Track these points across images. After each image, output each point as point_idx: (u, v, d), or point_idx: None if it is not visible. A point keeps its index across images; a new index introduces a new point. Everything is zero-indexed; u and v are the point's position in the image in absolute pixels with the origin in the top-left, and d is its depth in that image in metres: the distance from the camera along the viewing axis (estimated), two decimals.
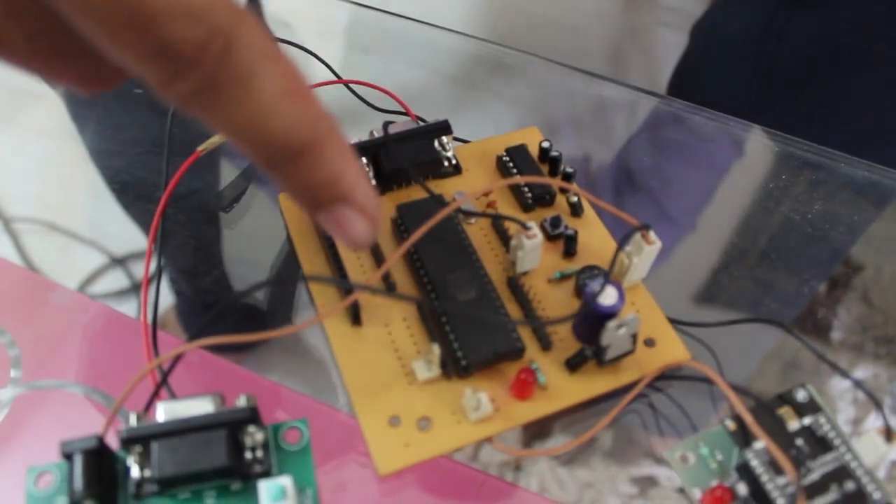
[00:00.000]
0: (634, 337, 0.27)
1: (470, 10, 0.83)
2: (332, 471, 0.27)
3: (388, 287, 0.29)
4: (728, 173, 0.39)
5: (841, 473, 0.24)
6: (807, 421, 0.26)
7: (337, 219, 0.21)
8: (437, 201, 0.30)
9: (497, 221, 0.31)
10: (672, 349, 0.28)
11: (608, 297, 0.26)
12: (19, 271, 0.33)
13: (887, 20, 0.48)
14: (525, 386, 0.26)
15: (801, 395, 0.26)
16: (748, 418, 0.24)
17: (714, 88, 0.55)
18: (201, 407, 0.23)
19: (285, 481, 0.22)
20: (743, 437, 0.25)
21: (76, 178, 0.38)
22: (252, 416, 0.23)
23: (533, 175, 0.32)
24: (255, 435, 0.23)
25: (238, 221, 0.34)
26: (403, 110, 0.35)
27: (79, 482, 0.21)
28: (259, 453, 0.23)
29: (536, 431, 0.28)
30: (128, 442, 0.22)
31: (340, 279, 0.29)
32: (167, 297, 0.32)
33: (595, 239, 0.31)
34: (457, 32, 0.43)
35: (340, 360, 0.27)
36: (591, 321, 0.26)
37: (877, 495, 0.24)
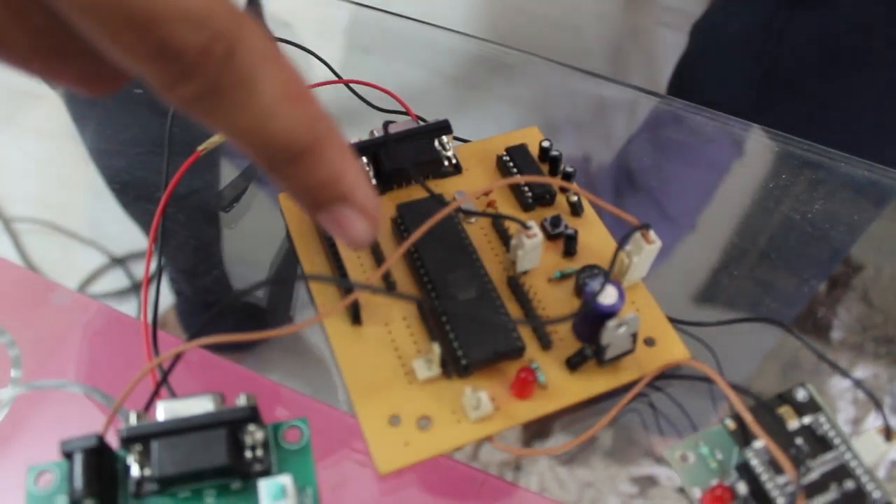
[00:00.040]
0: (634, 336, 0.27)
1: (470, 10, 0.83)
2: (332, 470, 0.27)
3: (389, 286, 0.29)
4: (728, 173, 0.40)
5: (840, 472, 0.24)
6: (806, 420, 0.26)
7: (337, 219, 0.21)
8: (438, 201, 0.30)
9: (497, 221, 0.31)
10: (672, 348, 0.28)
11: (608, 296, 0.26)
12: (19, 271, 0.33)
13: (887, 20, 0.48)
14: (525, 385, 0.26)
15: (800, 395, 0.26)
16: (748, 417, 0.24)
17: (714, 88, 0.55)
18: (201, 406, 0.23)
19: (285, 480, 0.22)
20: (743, 436, 0.25)
21: (76, 178, 0.38)
22: (252, 414, 0.23)
23: (533, 174, 0.32)
24: (255, 434, 0.23)
25: (238, 221, 0.34)
26: (404, 110, 0.35)
27: (79, 481, 0.21)
28: (259, 452, 0.23)
29: (536, 431, 0.28)
30: (128, 441, 0.22)
31: (340, 278, 0.29)
32: (167, 297, 0.32)
33: (595, 238, 0.31)
34: (457, 32, 0.43)
35: (340, 359, 0.27)
36: (591, 320, 0.26)
37: (876, 494, 0.24)
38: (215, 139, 0.32)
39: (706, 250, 0.35)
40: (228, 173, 0.36)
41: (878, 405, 0.27)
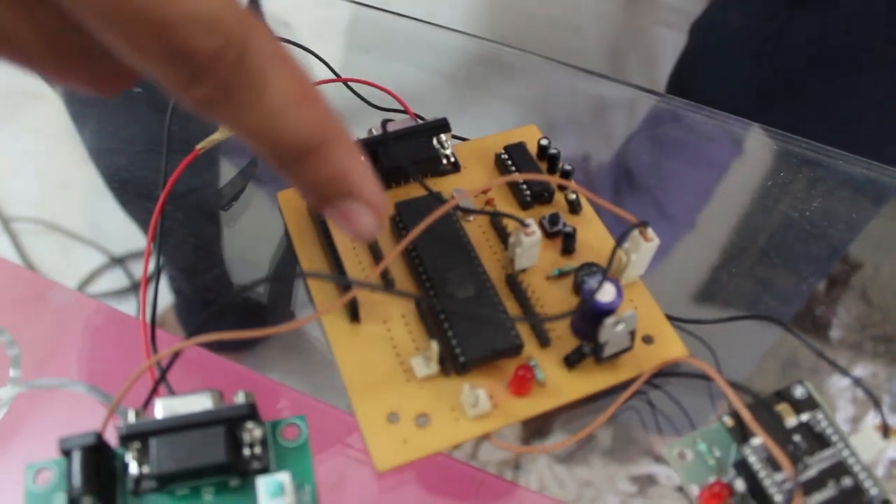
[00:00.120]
0: (632, 334, 0.27)
1: (470, 9, 0.83)
2: (331, 468, 0.27)
3: (387, 284, 0.29)
4: (727, 171, 0.40)
5: (838, 469, 0.24)
6: (804, 417, 0.26)
7: (345, 213, 0.22)
8: (436, 199, 0.30)
9: (496, 219, 0.31)
10: (670, 346, 0.28)
11: (606, 293, 0.26)
12: (19, 271, 0.33)
13: (886, 19, 0.48)
14: (523, 382, 0.26)
15: (798, 392, 0.26)
16: (746, 415, 0.24)
17: (713, 87, 0.55)
18: (200, 403, 0.23)
19: (283, 477, 0.22)
20: (741, 433, 0.25)
21: (76, 177, 0.38)
22: (250, 412, 0.23)
23: (531, 173, 0.32)
24: (253, 431, 0.23)
25: (237, 220, 0.35)
26: (403, 109, 0.35)
27: (77, 478, 0.21)
28: (257, 450, 0.23)
29: (535, 429, 0.28)
30: (126, 438, 0.22)
31: (339, 276, 0.29)
32: (166, 296, 0.32)
33: (593, 236, 0.31)
34: (457, 31, 0.43)
35: (339, 356, 0.28)
36: (590, 318, 0.26)
37: (874, 491, 0.24)
38: (214, 137, 0.32)
39: (705, 249, 0.35)
40: (228, 172, 0.36)
41: (876, 404, 0.27)
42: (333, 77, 0.36)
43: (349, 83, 0.36)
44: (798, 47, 0.51)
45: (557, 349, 0.28)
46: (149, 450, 0.22)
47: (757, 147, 0.40)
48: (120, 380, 0.24)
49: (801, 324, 0.33)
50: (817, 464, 0.25)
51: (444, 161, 0.32)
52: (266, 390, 0.29)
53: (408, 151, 0.31)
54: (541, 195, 0.32)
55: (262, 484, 0.22)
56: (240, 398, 0.23)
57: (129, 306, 0.32)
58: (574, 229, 0.30)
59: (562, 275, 0.30)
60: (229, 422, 0.23)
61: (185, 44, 0.17)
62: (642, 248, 0.28)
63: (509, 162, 0.33)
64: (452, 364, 0.27)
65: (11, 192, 0.37)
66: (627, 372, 0.28)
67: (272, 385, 0.29)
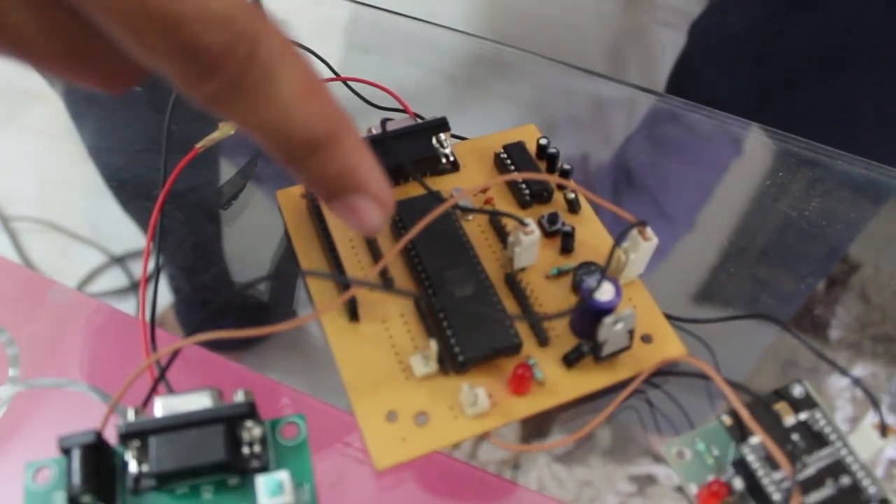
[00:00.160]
0: (631, 333, 0.27)
1: (470, 9, 0.83)
2: (330, 466, 0.27)
3: (386, 283, 0.29)
4: (726, 171, 0.40)
5: (836, 468, 0.25)
6: (803, 416, 0.26)
7: (352, 207, 0.22)
8: (435, 198, 0.30)
9: (494, 218, 0.31)
10: (669, 345, 0.28)
11: (605, 292, 0.26)
12: (18, 270, 0.33)
13: (886, 19, 0.48)
14: (522, 381, 0.26)
15: (797, 391, 0.26)
16: (744, 414, 0.24)
17: (712, 87, 0.55)
18: (199, 402, 0.23)
19: (282, 476, 0.22)
20: (739, 432, 0.25)
21: (75, 177, 0.38)
22: (249, 411, 0.23)
23: (530, 172, 0.32)
24: (252, 430, 0.23)
25: (236, 219, 0.35)
26: (402, 108, 0.35)
27: (77, 477, 0.21)
28: (256, 448, 0.23)
29: (534, 428, 0.28)
30: (126, 437, 0.22)
31: (338, 275, 0.29)
32: (166, 296, 0.32)
33: (592, 235, 0.31)
34: (456, 31, 0.43)
35: (338, 355, 0.28)
36: (588, 317, 0.26)
37: (872, 490, 0.24)
38: (213, 136, 0.32)
39: (704, 248, 0.35)
40: (227, 171, 0.36)
41: (875, 404, 0.26)
42: (333, 76, 0.36)
43: (349, 82, 0.36)
44: (797, 47, 0.51)
45: (556, 348, 0.28)
46: (148, 448, 0.22)
47: (756, 147, 0.40)
48: (119, 379, 0.24)
49: (801, 323, 0.33)
50: (815, 463, 0.25)
51: (444, 160, 0.33)
52: (265, 389, 0.29)
53: (407, 150, 0.31)
54: (540, 194, 0.32)
55: (262, 482, 0.22)
56: (239, 397, 0.23)
57: (128, 306, 0.32)
58: (573, 228, 0.30)
59: (561, 274, 0.30)
60: (229, 420, 0.23)
61: (195, 40, 0.17)
62: (641, 248, 0.28)
63: (508, 161, 0.33)
64: (451, 363, 0.27)
65: (11, 192, 0.37)
66: (626, 371, 0.28)
67: (271, 384, 0.29)
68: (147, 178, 0.35)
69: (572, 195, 0.32)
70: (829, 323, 0.33)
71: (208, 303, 0.33)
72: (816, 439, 0.25)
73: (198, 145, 0.32)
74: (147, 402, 0.25)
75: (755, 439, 0.24)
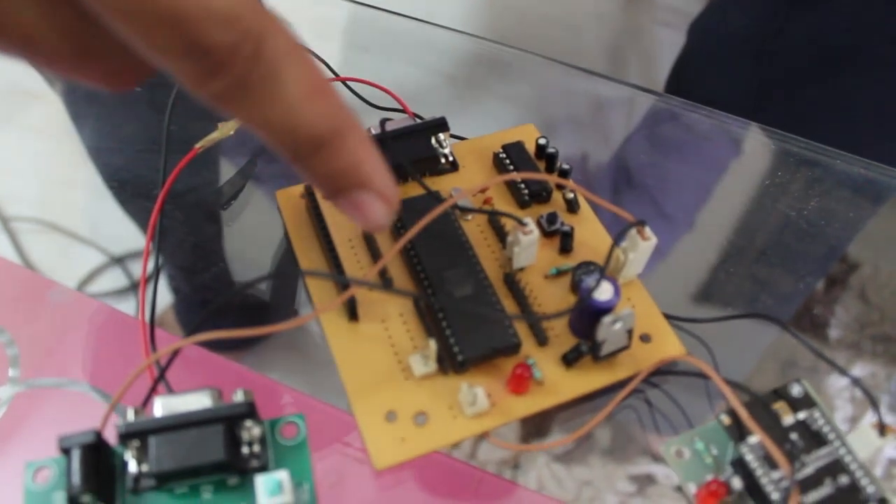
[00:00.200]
0: (630, 332, 0.27)
1: (469, 9, 0.83)
2: (330, 466, 0.27)
3: (385, 283, 0.29)
4: (725, 171, 0.40)
5: (835, 467, 0.25)
6: (801, 416, 0.26)
7: (357, 203, 0.22)
8: (434, 198, 0.30)
9: (494, 218, 0.31)
10: (668, 345, 0.28)
11: (604, 292, 0.26)
12: (18, 270, 0.33)
13: (886, 19, 0.48)
14: (521, 381, 0.26)
15: (795, 390, 0.26)
16: (743, 413, 0.24)
17: (711, 86, 0.55)
18: (198, 402, 0.23)
19: (282, 476, 0.22)
20: (738, 431, 0.25)
21: (75, 177, 0.38)
22: (249, 410, 0.23)
23: (529, 172, 0.32)
24: (252, 430, 0.23)
25: (236, 218, 0.35)
26: (401, 108, 0.35)
27: (76, 477, 0.21)
28: (256, 448, 0.23)
29: (534, 428, 0.28)
30: (125, 437, 0.22)
31: (337, 275, 0.29)
32: (166, 296, 0.32)
33: (591, 235, 0.31)
34: (455, 31, 0.43)
35: (337, 355, 0.28)
36: (587, 316, 0.26)
37: (870, 489, 0.24)
38: (213, 136, 0.32)
39: (704, 248, 0.35)
40: (227, 171, 0.36)
41: (873, 403, 0.26)
42: (332, 76, 0.36)
43: (348, 82, 0.36)
44: (797, 46, 0.51)
45: (555, 348, 0.28)
46: (148, 448, 0.22)
47: (755, 146, 0.40)
48: (119, 379, 0.24)
49: (800, 323, 0.33)
50: (814, 462, 0.25)
51: (443, 160, 0.33)
52: (265, 389, 0.29)
53: (406, 150, 0.31)
54: (539, 194, 0.32)
55: (261, 482, 0.22)
56: (238, 397, 0.23)
57: (128, 306, 0.32)
58: (572, 228, 0.30)
59: (560, 273, 0.30)
60: (228, 420, 0.23)
61: (202, 38, 0.17)
62: (640, 247, 0.28)
63: (507, 161, 0.33)
64: (450, 362, 0.27)
65: (11, 192, 0.37)
66: (625, 370, 0.28)
67: (271, 384, 0.29)
68: (147, 178, 0.36)
69: (571, 195, 0.32)
70: (829, 323, 0.33)
71: (208, 303, 0.33)
72: (815, 439, 0.25)
73: (197, 145, 0.32)
74: (147, 402, 0.25)
75: (754, 439, 0.25)
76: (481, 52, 0.44)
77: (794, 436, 0.25)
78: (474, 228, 0.31)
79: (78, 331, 0.31)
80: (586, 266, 0.29)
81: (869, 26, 0.49)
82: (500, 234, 0.31)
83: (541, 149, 0.33)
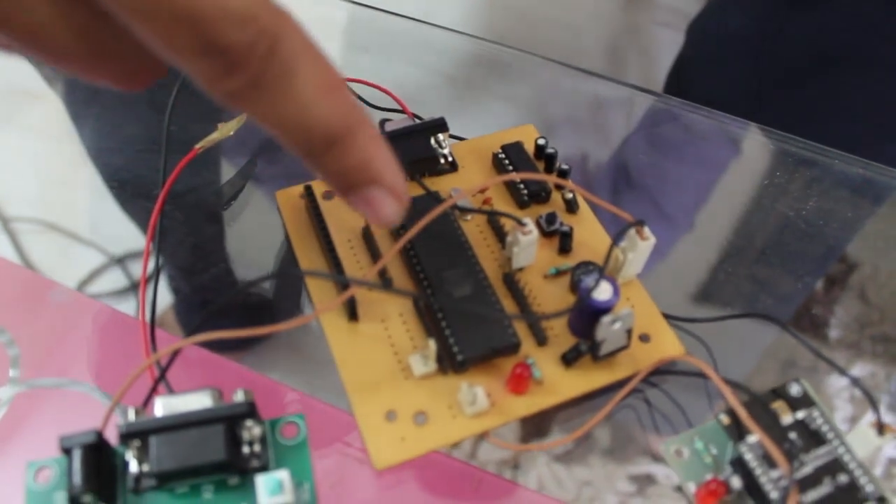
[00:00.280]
0: (629, 332, 0.27)
1: (468, 9, 0.83)
2: (330, 466, 0.27)
3: (385, 283, 0.29)
4: (725, 171, 0.40)
5: (834, 466, 0.25)
6: (800, 415, 0.26)
7: (368, 199, 0.23)
8: (434, 198, 0.30)
9: (493, 218, 0.31)
10: (667, 344, 0.29)
11: (603, 292, 0.26)
12: (18, 270, 0.33)
13: (884, 18, 0.48)
14: (521, 381, 0.26)
15: (794, 390, 0.26)
16: (742, 412, 0.24)
17: (711, 86, 0.55)
18: (199, 402, 0.23)
19: (282, 475, 0.22)
20: (737, 431, 0.25)
21: (75, 177, 0.38)
22: (249, 410, 0.23)
23: (529, 172, 0.32)
24: (252, 429, 0.23)
25: (236, 219, 0.35)
26: (401, 108, 0.35)
27: (78, 476, 0.21)
28: (256, 448, 0.23)
29: (533, 428, 0.28)
30: (126, 437, 0.22)
31: (337, 275, 0.29)
32: (166, 296, 0.32)
33: (590, 235, 0.31)
34: (455, 31, 0.43)
35: (337, 355, 0.28)
36: (586, 316, 0.26)
37: (869, 488, 0.24)
38: (213, 137, 0.32)
39: (703, 248, 0.35)
40: (227, 171, 0.36)
41: (872, 403, 0.26)
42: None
43: (347, 83, 0.36)
44: (795, 47, 0.51)
45: (555, 347, 0.28)
46: (149, 448, 0.22)
47: (754, 147, 0.40)
48: (119, 379, 0.24)
49: (799, 323, 0.33)
50: (813, 461, 0.25)
51: (442, 161, 0.33)
52: (265, 389, 0.29)
53: (406, 151, 0.31)
54: (538, 194, 0.32)
55: (262, 482, 0.22)
56: (239, 396, 0.23)
57: (128, 306, 0.32)
58: (571, 228, 0.30)
59: (559, 273, 0.30)
60: (229, 420, 0.23)
61: (218, 37, 0.17)
62: (639, 247, 0.28)
63: (506, 161, 0.33)
64: (450, 362, 0.27)
65: (11, 192, 0.37)
66: (624, 370, 0.28)
67: (271, 384, 0.29)
68: (147, 179, 0.36)
69: (570, 195, 0.32)
70: (828, 322, 0.33)
71: (208, 303, 0.33)
72: (814, 438, 0.25)
73: (197, 146, 0.32)
74: (147, 401, 0.25)
75: (753, 438, 0.25)
76: (481, 53, 0.44)
77: (793, 435, 0.25)
78: (474, 229, 0.31)
79: (78, 331, 0.31)
80: (585, 266, 0.30)
81: (868, 26, 0.49)
82: (500, 235, 0.31)
83: (540, 149, 0.33)
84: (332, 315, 0.29)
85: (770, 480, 0.24)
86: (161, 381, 0.25)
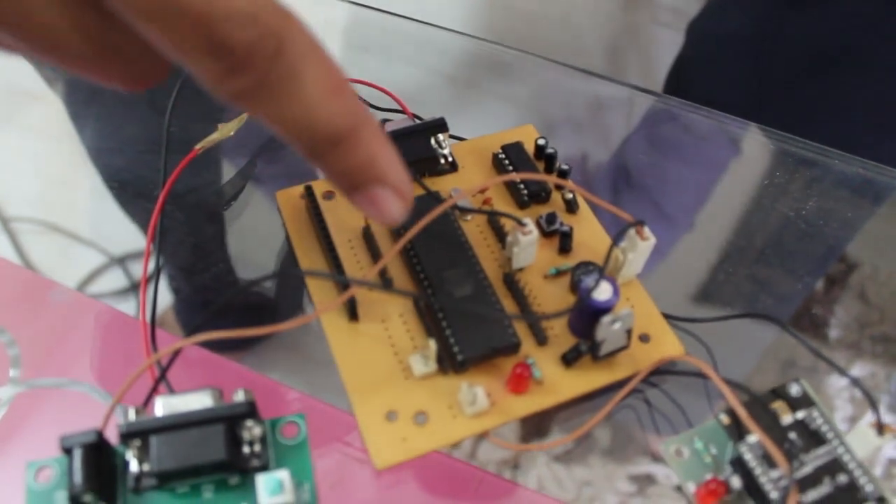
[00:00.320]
0: (629, 332, 0.27)
1: (468, 10, 0.83)
2: (330, 466, 0.27)
3: (385, 283, 0.29)
4: (725, 171, 0.40)
5: (833, 466, 0.25)
6: (800, 415, 0.26)
7: (372, 198, 0.23)
8: (434, 198, 0.30)
9: (493, 218, 0.31)
10: (666, 344, 0.29)
11: (603, 292, 0.26)
12: (18, 270, 0.33)
13: (884, 19, 0.48)
14: (521, 381, 0.26)
15: (794, 390, 0.26)
16: (742, 412, 0.24)
17: (710, 87, 0.55)
18: (199, 401, 0.23)
19: (283, 475, 0.22)
20: (737, 431, 0.25)
21: (76, 177, 0.38)
22: (250, 410, 0.23)
23: (529, 172, 0.32)
24: (252, 429, 0.23)
25: (236, 219, 0.35)
26: (400, 109, 0.35)
27: (78, 476, 0.21)
28: (257, 447, 0.23)
29: (533, 428, 0.28)
30: (127, 436, 0.22)
31: (337, 275, 0.29)
32: (166, 296, 0.32)
33: (590, 235, 0.31)
34: (455, 31, 0.43)
35: (337, 355, 0.28)
36: (586, 316, 0.26)
37: (869, 488, 0.24)
38: (213, 137, 0.32)
39: (703, 248, 0.36)
40: (227, 172, 0.36)
41: (872, 403, 0.27)
42: None
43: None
44: (795, 47, 0.51)
45: (555, 347, 0.28)
46: (149, 447, 0.22)
47: (754, 147, 0.40)
48: (120, 379, 0.24)
49: (799, 323, 0.33)
50: (813, 461, 0.25)
51: (442, 161, 0.33)
52: (265, 389, 0.29)
53: (406, 151, 0.31)
54: (538, 194, 0.32)
55: (262, 482, 0.22)
56: (239, 396, 0.23)
57: (128, 306, 0.32)
58: (571, 228, 0.30)
59: (559, 273, 0.30)
60: (229, 420, 0.23)
61: (225, 38, 0.18)
62: (639, 247, 0.28)
63: (507, 161, 0.33)
64: (450, 362, 0.27)
65: (11, 192, 0.37)
66: (624, 370, 0.28)
67: (272, 384, 0.29)
68: (147, 179, 0.36)
69: (570, 195, 0.32)
70: (828, 322, 0.33)
71: (208, 303, 0.33)
72: (814, 438, 0.25)
73: (197, 146, 0.32)
74: (148, 401, 0.25)
75: (753, 438, 0.25)
76: (481, 53, 0.44)
77: (792, 435, 0.25)
78: (474, 229, 0.31)
79: (79, 331, 0.31)
80: (585, 266, 0.30)
81: (868, 26, 0.49)
82: (500, 235, 0.31)
83: (540, 149, 0.33)
84: (333, 315, 0.29)
85: (770, 480, 0.24)
86: (161, 380, 0.25)
